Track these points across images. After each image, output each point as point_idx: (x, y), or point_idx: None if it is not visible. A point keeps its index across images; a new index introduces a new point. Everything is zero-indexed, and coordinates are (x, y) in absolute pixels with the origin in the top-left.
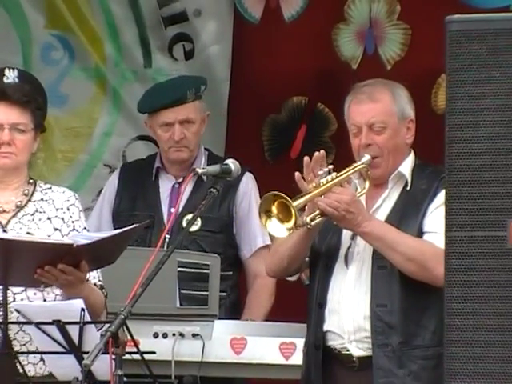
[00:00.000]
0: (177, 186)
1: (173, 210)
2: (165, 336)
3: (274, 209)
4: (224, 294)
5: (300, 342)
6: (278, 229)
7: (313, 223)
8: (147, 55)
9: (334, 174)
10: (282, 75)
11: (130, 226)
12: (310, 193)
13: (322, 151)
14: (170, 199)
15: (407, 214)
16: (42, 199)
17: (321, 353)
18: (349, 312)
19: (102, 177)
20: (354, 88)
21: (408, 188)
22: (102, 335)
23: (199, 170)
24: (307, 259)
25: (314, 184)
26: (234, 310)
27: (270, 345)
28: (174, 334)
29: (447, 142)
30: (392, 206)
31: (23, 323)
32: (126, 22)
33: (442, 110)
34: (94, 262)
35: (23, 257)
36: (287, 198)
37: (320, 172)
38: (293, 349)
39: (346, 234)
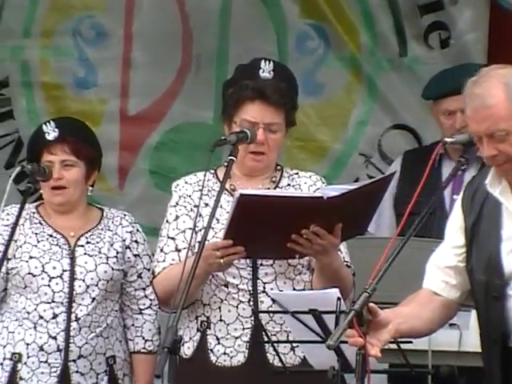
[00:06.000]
0: (460, 172)
1: (455, 196)
2: None
3: None
4: None
5: None
6: None
7: None
8: (403, 44)
9: None
10: None
11: (410, 212)
12: None
13: None
14: (452, 185)
15: None
16: (288, 185)
17: None
18: None
19: (357, 166)
20: (467, 85)
21: None
22: (345, 313)
23: (448, 140)
24: None
25: None
26: None
27: None
28: None
29: None
30: None
31: (279, 312)
32: (381, 11)
33: None
34: (346, 224)
35: (273, 217)
36: None
37: None
38: None
39: None
